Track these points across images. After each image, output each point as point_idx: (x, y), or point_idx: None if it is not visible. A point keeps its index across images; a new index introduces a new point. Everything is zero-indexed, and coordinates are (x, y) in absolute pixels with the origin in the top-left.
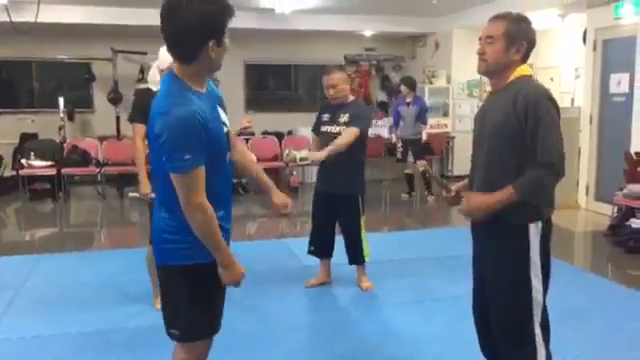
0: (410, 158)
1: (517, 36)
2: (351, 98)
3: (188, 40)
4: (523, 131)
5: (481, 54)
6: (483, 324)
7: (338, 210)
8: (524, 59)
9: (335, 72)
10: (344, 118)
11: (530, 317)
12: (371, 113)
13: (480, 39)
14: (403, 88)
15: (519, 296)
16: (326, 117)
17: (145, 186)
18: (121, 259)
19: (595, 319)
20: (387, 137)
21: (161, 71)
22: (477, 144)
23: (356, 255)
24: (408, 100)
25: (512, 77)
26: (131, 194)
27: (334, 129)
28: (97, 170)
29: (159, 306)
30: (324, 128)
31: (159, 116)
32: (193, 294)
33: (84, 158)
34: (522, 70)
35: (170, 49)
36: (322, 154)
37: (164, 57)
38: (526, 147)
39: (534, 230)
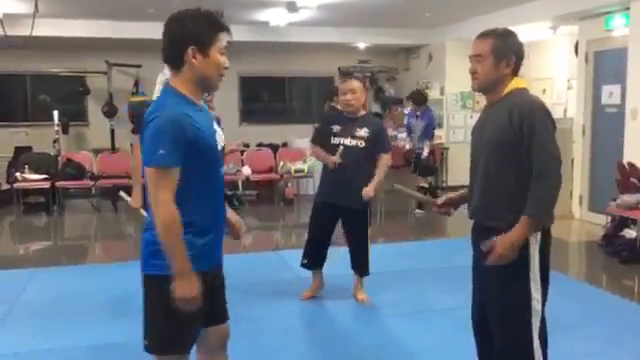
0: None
1: (505, 51)
2: (362, 111)
3: (171, 44)
4: (520, 144)
5: (473, 73)
6: (482, 334)
7: (346, 223)
8: (515, 72)
9: (355, 80)
10: (362, 132)
11: (529, 328)
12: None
13: (470, 57)
14: (409, 103)
15: (519, 307)
16: (337, 128)
17: (136, 200)
18: (116, 273)
19: (590, 330)
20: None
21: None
22: (474, 158)
23: (363, 267)
24: (418, 113)
25: (507, 90)
26: (122, 193)
27: (349, 142)
28: (92, 183)
29: None
30: (336, 140)
31: (150, 115)
32: (166, 306)
33: (78, 171)
34: (517, 82)
35: (162, 56)
36: (372, 187)
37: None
38: (523, 160)
39: (534, 242)
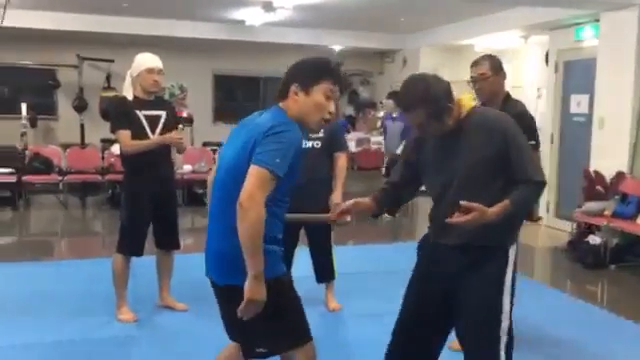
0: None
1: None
2: None
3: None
4: (506, 161)
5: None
6: (410, 342)
7: (309, 226)
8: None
9: None
10: (318, 133)
11: (499, 334)
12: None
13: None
14: (389, 102)
15: (492, 314)
16: None
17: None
18: (82, 269)
19: (554, 332)
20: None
21: (132, 77)
22: (440, 186)
23: (326, 272)
24: (395, 115)
25: (464, 112)
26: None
27: (305, 144)
28: (60, 178)
29: (122, 317)
30: None
31: (273, 123)
32: (278, 303)
33: (46, 166)
34: (468, 103)
35: None
36: (338, 194)
37: (136, 64)
38: (510, 173)
39: (512, 252)
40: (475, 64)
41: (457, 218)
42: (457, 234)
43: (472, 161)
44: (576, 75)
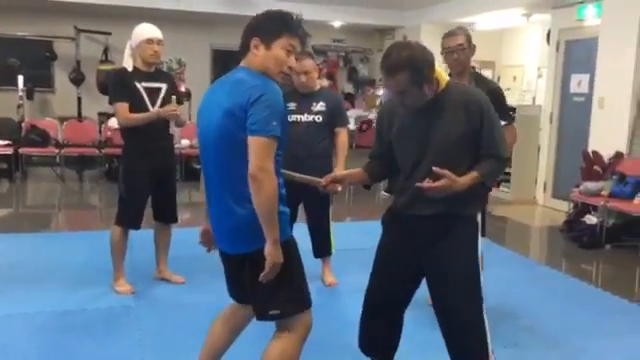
0: None
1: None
2: (319, 85)
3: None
4: (478, 136)
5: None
6: (383, 314)
7: (307, 201)
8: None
9: (308, 59)
10: (318, 107)
11: (480, 298)
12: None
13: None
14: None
15: (472, 274)
16: (293, 106)
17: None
18: (79, 242)
19: (549, 310)
20: None
21: (132, 49)
22: (413, 156)
23: (324, 247)
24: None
25: (440, 87)
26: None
27: (306, 118)
28: (56, 151)
29: (120, 288)
30: (292, 117)
31: (252, 88)
32: (291, 268)
33: (43, 138)
34: (444, 77)
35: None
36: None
37: (135, 35)
38: (478, 148)
39: (479, 219)
40: (450, 34)
41: (428, 184)
42: (430, 204)
43: (448, 135)
44: (577, 55)
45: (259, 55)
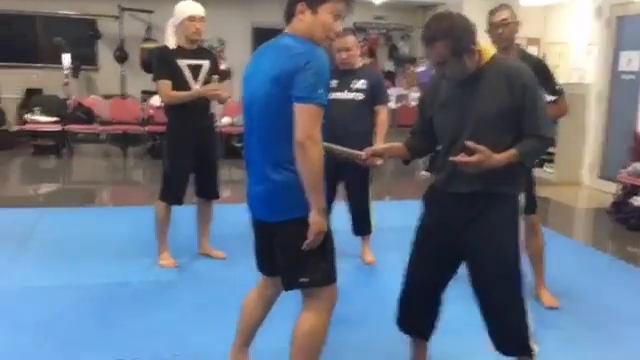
0: None
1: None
2: (360, 63)
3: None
4: (520, 113)
5: None
6: (421, 295)
7: (347, 179)
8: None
9: (350, 35)
10: (358, 84)
11: (519, 281)
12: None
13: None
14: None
15: (512, 263)
16: (334, 83)
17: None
18: (124, 216)
19: (596, 293)
20: None
21: (174, 26)
22: (455, 131)
23: (364, 225)
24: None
25: (484, 60)
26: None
27: (346, 95)
28: (101, 128)
29: (163, 262)
30: (332, 95)
31: (299, 55)
32: (324, 240)
33: (88, 116)
34: (489, 51)
35: None
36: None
37: (178, 12)
38: (520, 127)
39: (521, 199)
40: (495, 10)
41: (462, 157)
42: (467, 182)
43: (489, 110)
44: (628, 31)
45: (305, 20)
